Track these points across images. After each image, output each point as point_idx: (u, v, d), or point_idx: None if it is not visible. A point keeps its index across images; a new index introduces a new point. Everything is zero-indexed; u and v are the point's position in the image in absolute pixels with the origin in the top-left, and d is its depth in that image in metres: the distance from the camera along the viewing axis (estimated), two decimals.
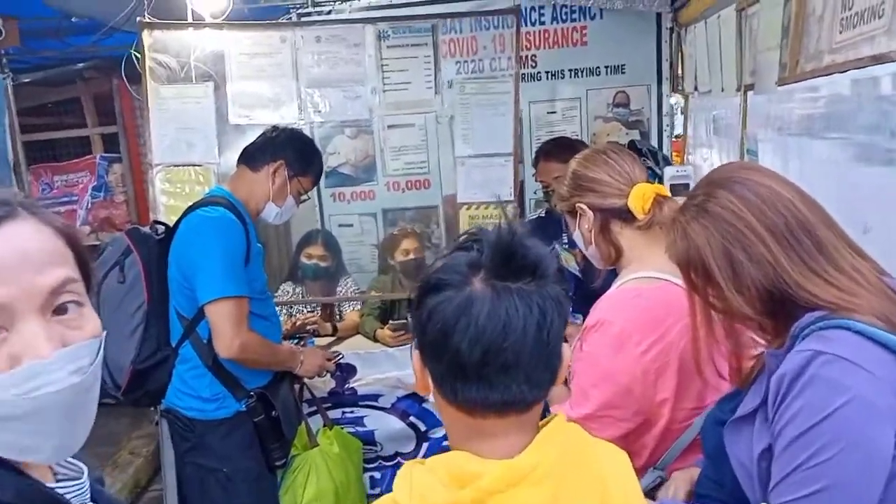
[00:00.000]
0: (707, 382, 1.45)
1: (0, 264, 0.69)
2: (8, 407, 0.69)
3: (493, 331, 0.80)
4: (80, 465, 0.85)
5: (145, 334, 2.13)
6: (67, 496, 0.80)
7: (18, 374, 0.69)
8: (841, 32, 1.65)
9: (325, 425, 2.65)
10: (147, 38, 2.70)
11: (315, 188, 3.89)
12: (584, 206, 1.57)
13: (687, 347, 1.41)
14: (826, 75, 1.77)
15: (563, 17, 3.80)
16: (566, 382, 1.45)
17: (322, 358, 2.48)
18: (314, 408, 2.69)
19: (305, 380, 2.54)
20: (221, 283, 2.03)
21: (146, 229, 2.25)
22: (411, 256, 3.25)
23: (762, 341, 1.21)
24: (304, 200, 2.34)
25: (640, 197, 1.51)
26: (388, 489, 2.99)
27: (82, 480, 0.83)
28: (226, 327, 2.04)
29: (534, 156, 3.38)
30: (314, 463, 2.50)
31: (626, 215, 1.53)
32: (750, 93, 2.54)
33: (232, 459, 2.17)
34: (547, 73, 3.86)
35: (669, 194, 1.57)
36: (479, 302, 0.81)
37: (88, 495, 0.84)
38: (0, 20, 3.63)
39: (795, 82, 2.01)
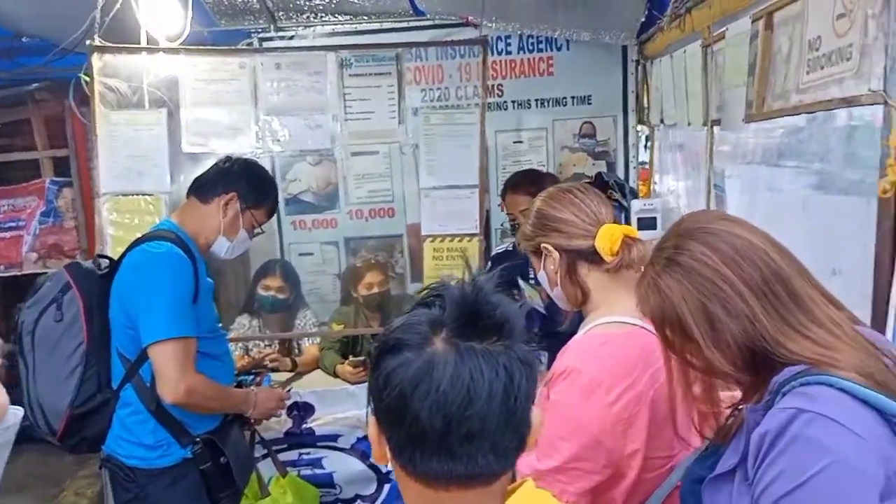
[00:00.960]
0: (676, 432, 1.39)
1: None
2: None
3: (455, 397, 0.73)
4: None
5: (84, 376, 1.99)
6: None
7: None
8: (808, 73, 1.63)
9: (278, 473, 2.50)
10: (97, 61, 2.59)
11: (274, 217, 3.83)
12: (550, 247, 1.51)
13: (656, 396, 1.37)
14: (794, 115, 1.75)
15: (530, 47, 3.79)
16: None
17: (276, 399, 2.35)
18: (265, 451, 2.55)
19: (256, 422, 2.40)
20: (166, 324, 1.91)
21: (88, 264, 2.11)
22: (375, 290, 3.16)
23: (735, 394, 1.16)
24: (258, 234, 2.23)
25: (607, 238, 1.45)
26: None
27: None
28: (170, 370, 1.91)
29: (501, 187, 3.34)
30: None
31: (593, 257, 1.48)
32: (717, 128, 2.53)
33: None
34: (513, 102, 3.84)
35: (637, 233, 1.51)
36: (441, 365, 0.74)
37: None
38: None
39: (762, 120, 2.00)
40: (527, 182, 2.75)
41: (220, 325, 2.28)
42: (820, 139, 1.73)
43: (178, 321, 1.92)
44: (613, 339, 1.43)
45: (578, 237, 1.48)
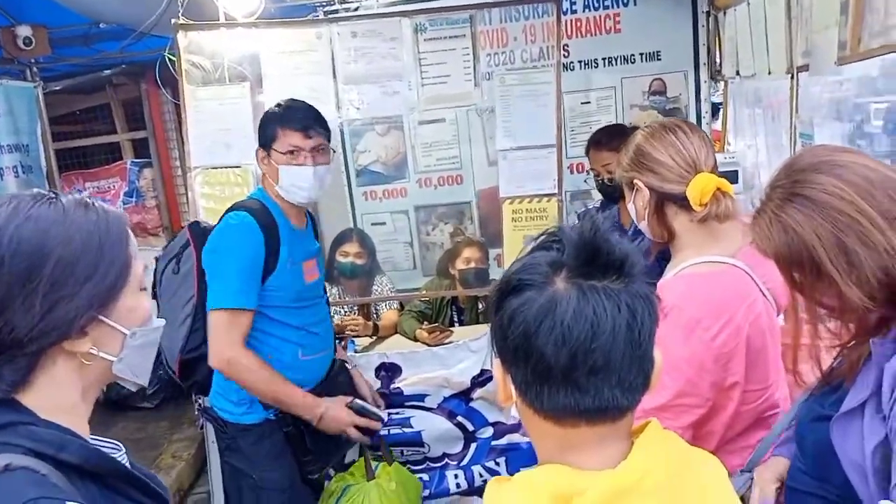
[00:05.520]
0: (771, 363, 1.44)
1: None
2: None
3: (580, 331, 0.75)
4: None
5: (192, 327, 2.12)
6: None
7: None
8: None
9: (384, 460, 2.53)
10: (182, 39, 2.67)
11: (346, 188, 3.88)
12: (641, 184, 1.52)
13: (751, 331, 1.40)
14: None
15: (596, 4, 3.73)
16: None
17: (346, 414, 2.17)
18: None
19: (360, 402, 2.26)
20: (222, 294, 1.99)
21: (208, 224, 2.25)
22: (472, 265, 3.21)
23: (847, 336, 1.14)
24: (322, 163, 2.09)
25: (699, 189, 1.44)
26: (436, 491, 2.90)
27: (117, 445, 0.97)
28: (217, 338, 2.00)
29: (570, 150, 3.31)
30: (368, 496, 2.38)
31: (682, 202, 1.48)
32: (802, 74, 2.46)
33: (261, 467, 2.13)
34: (580, 62, 3.78)
35: (731, 188, 1.49)
36: (564, 302, 0.76)
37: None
38: (30, 29, 3.64)
39: (858, 60, 1.93)
40: (609, 138, 2.71)
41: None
42: None
43: (234, 292, 1.99)
44: (708, 277, 1.44)
45: (671, 181, 1.47)
